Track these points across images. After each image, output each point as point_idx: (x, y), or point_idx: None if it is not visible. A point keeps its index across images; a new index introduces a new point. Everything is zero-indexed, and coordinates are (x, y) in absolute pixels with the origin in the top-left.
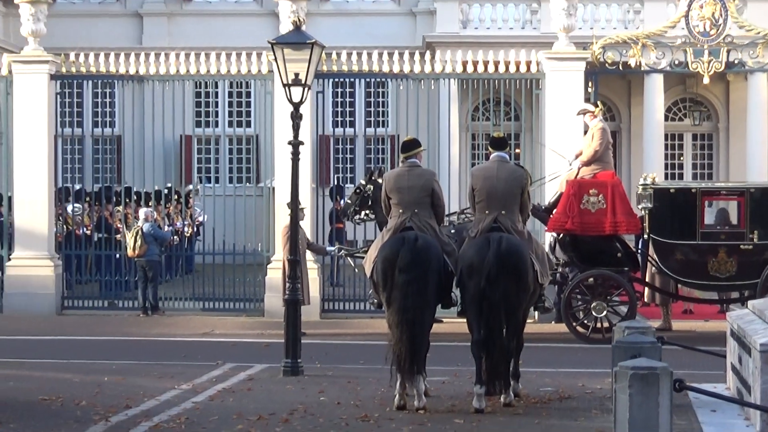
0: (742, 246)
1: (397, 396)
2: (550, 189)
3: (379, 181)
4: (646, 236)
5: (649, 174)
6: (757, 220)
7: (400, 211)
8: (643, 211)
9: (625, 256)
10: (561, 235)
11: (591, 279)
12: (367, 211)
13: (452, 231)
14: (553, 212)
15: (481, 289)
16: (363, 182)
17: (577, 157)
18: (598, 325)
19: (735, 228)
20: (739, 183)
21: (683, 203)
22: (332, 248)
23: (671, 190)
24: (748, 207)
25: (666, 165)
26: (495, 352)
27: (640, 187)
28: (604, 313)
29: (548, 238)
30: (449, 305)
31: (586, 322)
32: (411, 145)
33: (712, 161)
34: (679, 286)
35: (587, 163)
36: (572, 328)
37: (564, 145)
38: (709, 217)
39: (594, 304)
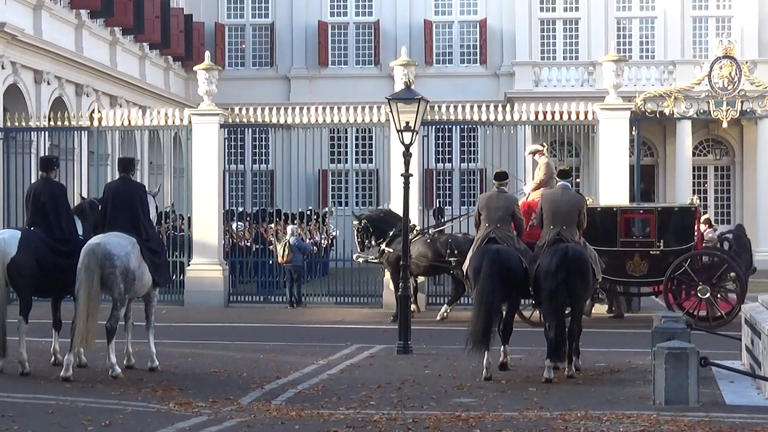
0: (651, 252)
1: (485, 370)
2: None
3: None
4: None
5: (589, 197)
6: (663, 232)
7: (486, 224)
8: None
9: None
10: None
11: None
12: (368, 240)
13: None
14: None
15: (550, 288)
16: (356, 222)
17: (526, 185)
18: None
19: (647, 238)
20: (650, 204)
21: (607, 219)
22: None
23: (597, 209)
24: (656, 222)
25: (693, 191)
26: (561, 335)
27: None
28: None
29: None
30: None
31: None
32: (502, 176)
33: (729, 187)
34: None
35: (534, 189)
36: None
37: (615, 175)
38: (626, 229)
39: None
